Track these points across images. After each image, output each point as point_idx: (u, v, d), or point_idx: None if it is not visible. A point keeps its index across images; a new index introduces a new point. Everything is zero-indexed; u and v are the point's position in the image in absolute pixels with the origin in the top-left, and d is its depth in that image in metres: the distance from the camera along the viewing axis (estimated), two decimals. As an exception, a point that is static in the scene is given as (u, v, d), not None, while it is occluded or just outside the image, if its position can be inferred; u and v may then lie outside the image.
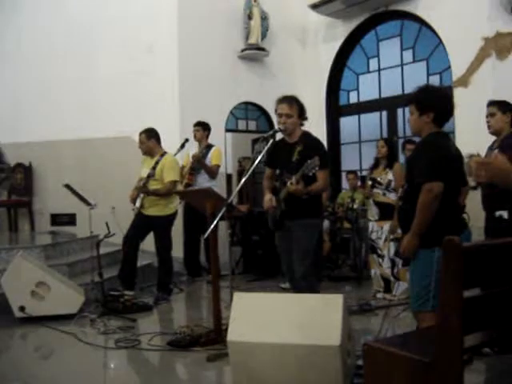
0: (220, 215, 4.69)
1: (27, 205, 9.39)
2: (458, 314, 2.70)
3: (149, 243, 7.10)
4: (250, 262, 8.54)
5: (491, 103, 4.87)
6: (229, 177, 10.41)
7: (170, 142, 7.62)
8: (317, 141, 5.14)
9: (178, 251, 7.82)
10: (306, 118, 5.17)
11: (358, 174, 9.19)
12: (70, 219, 8.99)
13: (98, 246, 6.34)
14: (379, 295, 6.80)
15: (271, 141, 5.03)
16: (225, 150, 9.17)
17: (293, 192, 4.83)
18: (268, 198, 5.07)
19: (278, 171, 5.16)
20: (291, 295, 4.11)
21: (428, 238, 3.59)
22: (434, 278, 3.54)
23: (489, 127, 4.81)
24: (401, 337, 3.35)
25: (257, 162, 5.02)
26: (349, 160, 9.90)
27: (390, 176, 6.71)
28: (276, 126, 5.26)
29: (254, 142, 10.64)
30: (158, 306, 6.67)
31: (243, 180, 4.83)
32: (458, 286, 2.70)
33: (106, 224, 6.38)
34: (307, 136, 5.10)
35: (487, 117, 4.84)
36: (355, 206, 8.14)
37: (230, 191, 9.90)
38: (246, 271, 8.53)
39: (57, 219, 9.05)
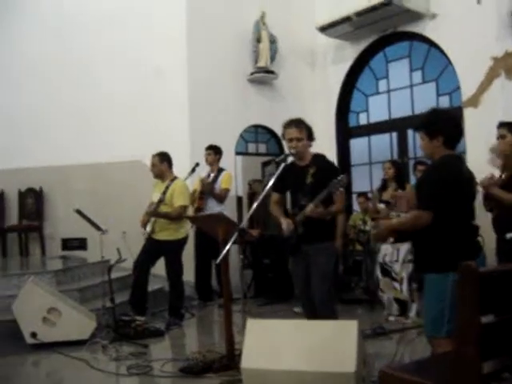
0: (232, 240, 4.66)
1: (38, 229, 9.40)
2: (475, 341, 2.66)
3: (160, 267, 7.08)
4: (261, 286, 8.48)
5: (501, 125, 4.85)
6: (239, 199, 10.39)
7: (180, 165, 7.62)
8: (329, 162, 5.16)
9: (189, 275, 7.78)
10: (313, 139, 5.16)
11: (369, 195, 9.14)
12: (81, 244, 8.93)
13: (109, 272, 6.33)
14: (391, 318, 6.72)
15: (283, 165, 5.01)
16: (235, 173, 9.17)
17: (316, 215, 4.79)
18: (287, 223, 5.01)
19: (288, 195, 5.14)
20: (304, 322, 4.07)
21: (442, 262, 3.55)
22: (448, 303, 3.49)
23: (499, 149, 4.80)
24: (416, 363, 3.30)
25: (269, 185, 4.99)
26: (359, 182, 9.86)
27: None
28: (286, 150, 5.24)
29: (264, 164, 10.64)
30: (169, 332, 6.61)
31: (255, 204, 4.80)
32: (475, 311, 2.66)
33: (118, 250, 6.37)
34: (319, 158, 5.10)
35: (498, 139, 4.83)
36: (367, 228, 8.08)
37: (240, 214, 9.89)
38: (257, 295, 8.47)
39: (67, 244, 8.99)
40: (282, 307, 7.73)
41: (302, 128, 5.05)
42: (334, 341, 3.58)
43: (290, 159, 5.15)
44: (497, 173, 5.06)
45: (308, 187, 4.93)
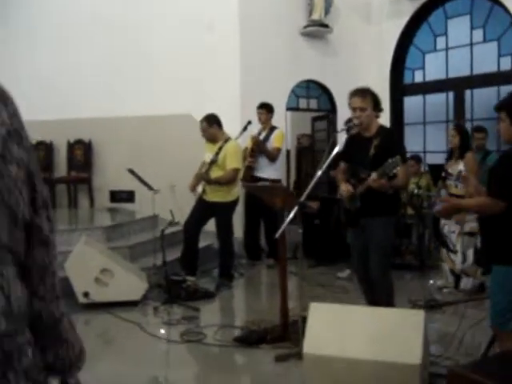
0: (292, 215, 4.54)
1: (87, 181, 9.40)
2: None
3: (209, 223, 7.05)
4: (311, 246, 8.39)
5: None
6: (287, 153, 10.24)
7: (230, 120, 7.49)
8: (394, 136, 4.97)
9: (238, 232, 7.71)
10: (381, 110, 4.97)
11: (421, 157, 8.89)
12: (129, 196, 8.91)
13: (162, 237, 6.28)
14: (445, 290, 6.60)
15: (345, 137, 4.83)
16: (285, 128, 8.99)
17: (377, 187, 4.64)
18: (346, 188, 4.85)
19: (350, 166, 4.98)
20: (370, 308, 3.98)
21: (509, 254, 3.41)
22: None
23: None
24: (485, 362, 3.19)
25: (332, 155, 4.79)
26: (412, 142, 9.58)
27: (461, 166, 6.41)
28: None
29: (315, 119, 10.45)
30: (219, 293, 6.61)
31: (318, 174, 4.62)
32: None
33: (171, 211, 6.34)
34: (384, 130, 4.92)
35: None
36: (420, 192, 7.88)
37: (288, 167, 9.77)
38: (306, 255, 8.39)
39: (116, 196, 8.99)
40: (328, 270, 7.69)
41: (366, 97, 4.85)
42: (399, 330, 3.48)
43: (355, 130, 4.97)
44: None
45: (369, 159, 4.76)
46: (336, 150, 4.73)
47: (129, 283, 6.04)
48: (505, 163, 3.55)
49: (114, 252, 6.63)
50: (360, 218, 4.86)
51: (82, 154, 9.42)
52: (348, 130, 4.85)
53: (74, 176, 9.46)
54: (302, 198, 4.57)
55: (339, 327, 3.61)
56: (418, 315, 3.54)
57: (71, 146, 9.47)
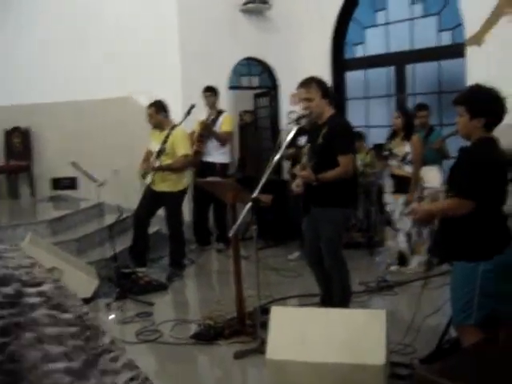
0: (245, 213, 4.51)
1: (27, 169, 9.12)
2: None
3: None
4: (260, 228, 8.35)
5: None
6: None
7: (172, 103, 7.23)
8: (341, 124, 4.89)
9: (186, 216, 7.63)
10: (331, 98, 4.90)
11: (364, 133, 8.93)
12: (71, 183, 8.73)
13: (111, 235, 6.15)
14: (393, 268, 6.71)
15: (295, 128, 4.77)
16: (228, 107, 8.87)
17: (304, 178, 4.68)
18: (295, 184, 4.88)
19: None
20: (331, 310, 3.98)
21: (472, 250, 3.46)
22: (479, 292, 3.43)
23: None
24: (451, 362, 3.23)
25: (283, 148, 4.74)
26: (355, 116, 9.58)
27: (408, 148, 6.50)
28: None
29: (257, 96, 10.36)
30: (172, 284, 6.54)
31: (268, 171, 4.58)
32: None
33: (118, 208, 6.22)
34: (333, 119, 4.84)
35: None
36: (367, 170, 7.91)
37: (232, 146, 9.69)
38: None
39: (58, 183, 8.79)
40: (278, 251, 7.71)
41: (310, 87, 4.81)
42: (362, 331, 3.51)
43: (304, 121, 4.92)
44: None
45: (317, 148, 4.77)
46: (280, 152, 4.71)
47: (79, 281, 5.88)
48: (470, 161, 3.55)
49: (60, 248, 6.46)
50: (310, 207, 4.88)
51: (20, 141, 9.12)
52: (297, 122, 4.79)
53: (13, 165, 9.16)
54: (255, 194, 4.53)
55: (301, 331, 3.61)
56: (380, 315, 3.56)
57: (8, 134, 9.15)
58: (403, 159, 6.51)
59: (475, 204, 3.38)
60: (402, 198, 6.49)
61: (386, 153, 6.70)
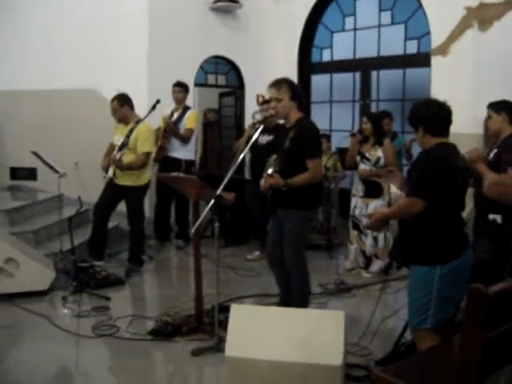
0: (208, 209, 4.51)
1: (-16, 158, 8.93)
2: (477, 360, 2.67)
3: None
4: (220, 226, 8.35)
5: (488, 106, 4.77)
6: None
7: (137, 95, 7.13)
8: (309, 128, 4.85)
9: (147, 211, 7.57)
10: (300, 100, 4.89)
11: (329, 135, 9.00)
12: (31, 173, 8.57)
13: (70, 227, 6.06)
14: (354, 272, 6.78)
15: (260, 128, 4.78)
16: (193, 104, 8.85)
17: (272, 185, 4.69)
18: (262, 183, 4.85)
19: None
20: (291, 309, 3.99)
21: (429, 254, 3.53)
22: (435, 296, 3.49)
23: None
24: (407, 364, 3.26)
25: (246, 149, 4.78)
26: (319, 120, 9.60)
27: (380, 153, 6.59)
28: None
29: (222, 95, 10.36)
30: (130, 280, 6.49)
31: (230, 171, 4.57)
32: (480, 334, 2.64)
33: (79, 198, 6.13)
34: (301, 123, 4.80)
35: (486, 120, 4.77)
36: (327, 172, 7.95)
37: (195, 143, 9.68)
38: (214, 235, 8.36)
39: (16, 173, 8.61)
40: (238, 251, 7.71)
41: (281, 88, 4.78)
42: (320, 331, 3.53)
43: (269, 121, 4.94)
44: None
45: (284, 151, 4.76)
46: (245, 151, 4.73)
47: (35, 272, 5.80)
48: (421, 163, 3.68)
49: (17, 238, 6.36)
50: (276, 208, 4.89)
51: (-21, 129, 8.92)
52: (261, 122, 4.81)
53: (-30, 152, 8.96)
54: (218, 191, 4.52)
55: (261, 329, 3.62)
56: (339, 315, 3.59)
57: None
58: (375, 164, 6.58)
59: (425, 203, 3.46)
60: (372, 203, 6.54)
61: (358, 157, 6.76)
